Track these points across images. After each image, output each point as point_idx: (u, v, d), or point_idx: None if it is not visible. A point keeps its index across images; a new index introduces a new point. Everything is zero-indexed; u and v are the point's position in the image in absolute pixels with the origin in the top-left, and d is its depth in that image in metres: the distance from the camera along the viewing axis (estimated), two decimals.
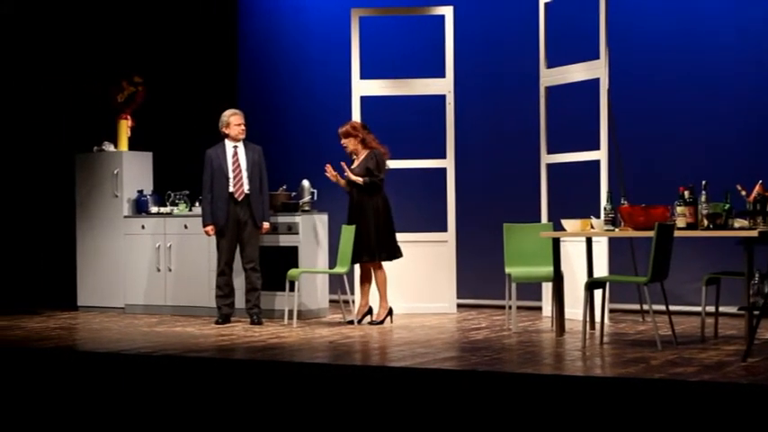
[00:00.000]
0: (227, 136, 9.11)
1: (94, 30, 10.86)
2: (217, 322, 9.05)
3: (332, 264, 9.59)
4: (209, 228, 9.06)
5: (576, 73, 9.09)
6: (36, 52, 10.65)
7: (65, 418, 6.47)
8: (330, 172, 8.87)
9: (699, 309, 7.76)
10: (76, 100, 10.72)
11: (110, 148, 10.40)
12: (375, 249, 8.82)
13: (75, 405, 6.53)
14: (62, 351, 7.60)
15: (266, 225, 9.17)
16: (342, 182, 8.93)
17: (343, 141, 8.98)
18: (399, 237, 9.10)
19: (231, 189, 9.03)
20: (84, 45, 10.80)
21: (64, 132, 10.74)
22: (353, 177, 8.80)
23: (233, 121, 9.09)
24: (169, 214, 10.08)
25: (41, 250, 10.76)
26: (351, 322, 8.91)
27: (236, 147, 9.11)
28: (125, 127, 10.43)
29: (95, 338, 8.38)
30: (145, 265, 10.11)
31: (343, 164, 8.86)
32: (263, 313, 9.17)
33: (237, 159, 9.09)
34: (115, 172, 10.28)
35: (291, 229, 9.44)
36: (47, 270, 10.76)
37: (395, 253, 8.93)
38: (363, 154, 8.92)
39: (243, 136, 9.12)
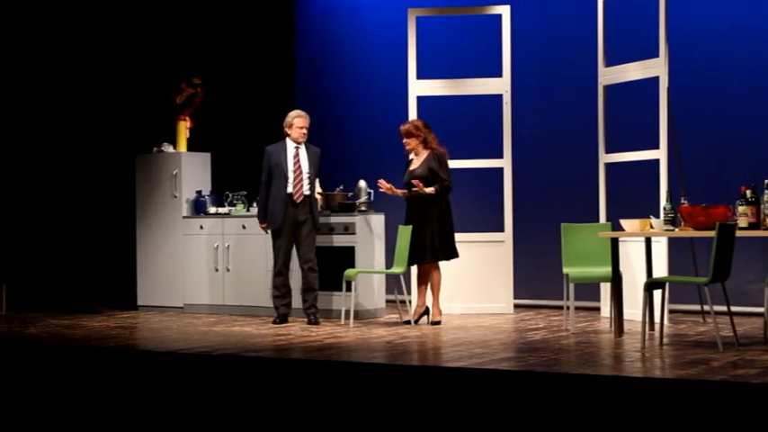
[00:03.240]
0: (288, 135, 9.15)
1: (154, 32, 10.98)
2: (274, 322, 9.10)
3: (388, 264, 9.60)
4: (264, 225, 9.16)
5: (634, 71, 9.00)
6: (97, 55, 10.79)
7: (124, 416, 6.55)
8: (384, 186, 8.89)
9: (761, 310, 7.64)
10: (136, 102, 10.84)
11: (169, 149, 10.51)
12: (439, 250, 8.82)
13: (135, 403, 6.60)
14: (122, 350, 7.69)
15: None
16: (398, 192, 8.92)
17: (405, 140, 8.95)
18: (456, 237, 9.08)
19: (290, 190, 9.06)
20: (143, 48, 10.92)
21: (124, 134, 10.86)
22: (427, 191, 8.75)
23: (296, 123, 9.11)
24: (227, 214, 10.16)
25: (102, 250, 10.89)
26: (408, 322, 8.91)
27: (297, 147, 9.13)
28: (184, 128, 10.53)
29: (155, 338, 8.47)
30: (203, 265, 10.20)
31: (416, 182, 8.77)
32: (320, 313, 9.19)
33: (299, 161, 9.09)
34: (174, 173, 10.38)
35: (348, 230, 9.46)
36: (107, 270, 10.89)
37: (453, 253, 8.92)
38: (424, 154, 8.90)
39: (303, 139, 9.13)
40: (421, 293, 9.01)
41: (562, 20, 10.28)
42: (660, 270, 8.45)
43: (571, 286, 8.28)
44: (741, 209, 7.29)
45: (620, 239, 8.05)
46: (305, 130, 9.12)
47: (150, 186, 10.52)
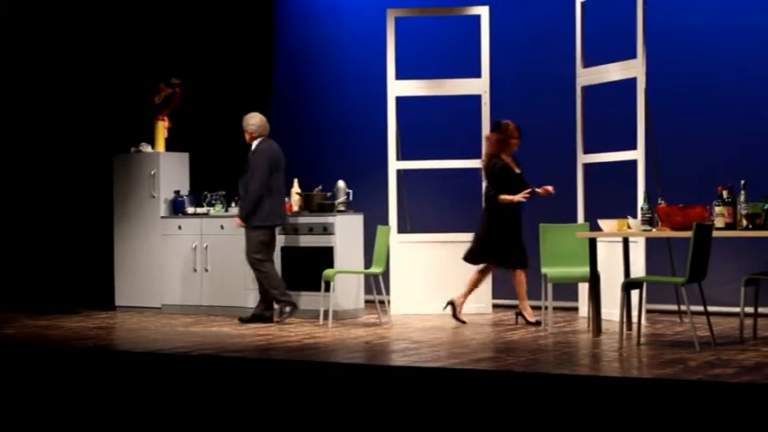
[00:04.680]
0: None
1: (132, 31, 10.93)
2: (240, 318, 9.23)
3: (367, 264, 9.59)
4: None
5: (612, 72, 9.04)
6: (74, 54, 10.74)
7: (103, 416, 6.52)
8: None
9: (737, 310, 7.68)
10: (114, 101, 10.79)
11: (147, 148, 10.47)
12: None
13: (113, 404, 6.58)
14: (100, 350, 7.67)
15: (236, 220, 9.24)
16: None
17: None
18: (435, 237, 9.10)
19: None
20: (121, 47, 10.88)
21: (102, 133, 10.81)
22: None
23: None
24: (205, 215, 10.13)
25: (80, 250, 10.84)
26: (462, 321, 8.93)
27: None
28: (162, 128, 10.50)
29: (133, 338, 8.45)
30: (181, 265, 10.17)
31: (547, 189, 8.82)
32: (298, 313, 9.15)
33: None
34: (152, 173, 10.34)
35: (327, 230, 9.45)
36: (85, 270, 10.84)
37: None
38: (511, 158, 8.99)
39: (248, 142, 9.16)
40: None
41: (541, 21, 10.30)
42: (638, 270, 8.49)
43: (549, 286, 8.31)
44: (718, 209, 7.33)
45: (597, 240, 8.08)
46: (246, 134, 9.18)
47: (128, 186, 10.48)
